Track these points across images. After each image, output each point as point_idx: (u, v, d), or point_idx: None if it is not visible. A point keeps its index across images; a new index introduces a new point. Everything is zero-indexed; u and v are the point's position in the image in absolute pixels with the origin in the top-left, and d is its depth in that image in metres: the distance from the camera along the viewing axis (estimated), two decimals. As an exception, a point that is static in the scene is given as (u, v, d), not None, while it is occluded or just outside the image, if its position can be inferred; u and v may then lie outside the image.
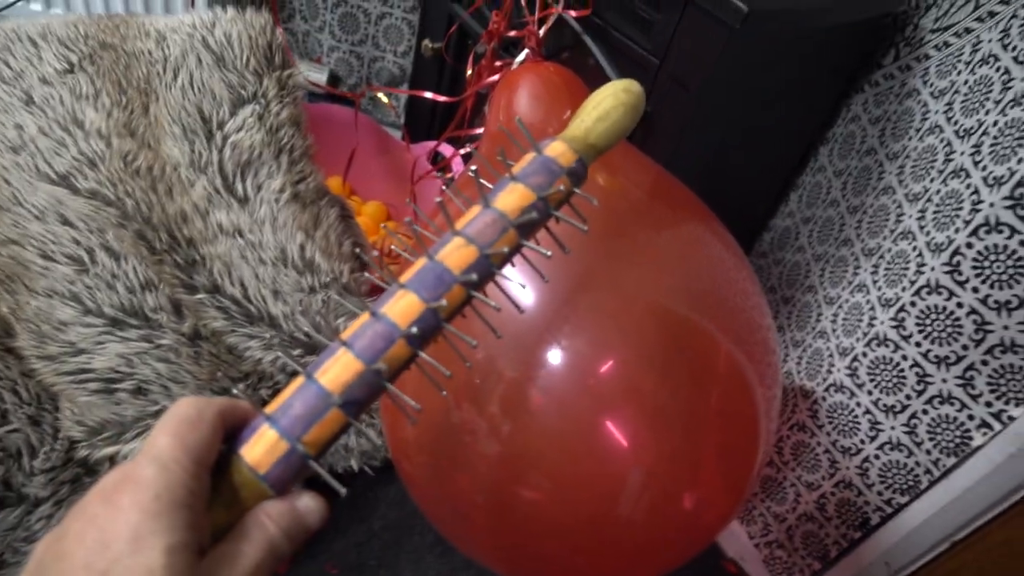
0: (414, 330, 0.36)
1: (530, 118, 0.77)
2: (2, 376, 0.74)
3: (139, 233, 0.73)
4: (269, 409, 0.34)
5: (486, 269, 0.38)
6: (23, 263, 0.73)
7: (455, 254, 0.38)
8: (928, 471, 0.89)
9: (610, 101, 0.44)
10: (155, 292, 0.72)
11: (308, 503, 0.34)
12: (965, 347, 0.81)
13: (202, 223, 0.76)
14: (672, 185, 0.81)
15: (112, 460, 0.77)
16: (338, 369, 0.34)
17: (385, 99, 1.27)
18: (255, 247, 0.77)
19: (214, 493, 0.32)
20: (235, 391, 0.58)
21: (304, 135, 0.85)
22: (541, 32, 0.89)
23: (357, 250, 0.87)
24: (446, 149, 1.19)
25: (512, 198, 0.39)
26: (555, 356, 0.68)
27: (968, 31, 0.90)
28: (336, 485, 0.34)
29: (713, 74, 0.81)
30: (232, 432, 0.34)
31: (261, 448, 0.33)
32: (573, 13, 0.93)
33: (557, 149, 0.41)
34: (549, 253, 0.40)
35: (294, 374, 0.78)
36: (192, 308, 0.74)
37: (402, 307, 0.36)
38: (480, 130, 1.01)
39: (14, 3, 1.48)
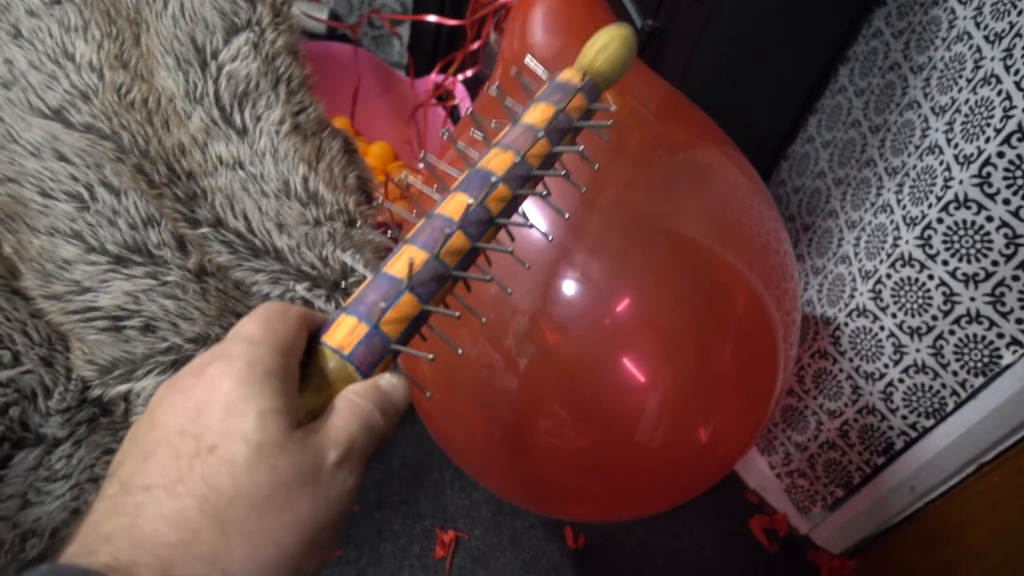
0: (468, 220, 0.39)
1: (547, 46, 0.74)
2: (11, 317, 0.74)
3: (137, 167, 0.71)
4: (346, 304, 0.36)
5: (526, 170, 0.42)
6: (22, 201, 0.71)
7: (495, 159, 0.42)
8: (955, 393, 0.87)
9: (605, 37, 0.50)
10: (158, 228, 0.71)
11: (391, 380, 0.35)
12: (995, 263, 0.78)
13: (201, 155, 0.74)
14: (684, 107, 0.78)
15: (127, 399, 0.77)
16: (405, 260, 0.37)
17: (387, 25, 1.23)
18: (257, 179, 0.75)
19: (304, 381, 0.33)
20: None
21: (302, 64, 0.82)
22: None
23: (362, 183, 0.85)
24: (449, 81, 1.16)
25: (536, 113, 0.44)
26: (569, 287, 0.66)
27: (1001, -72, 0.85)
28: (424, 355, 0.37)
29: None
30: (312, 332, 0.35)
31: (343, 332, 0.35)
32: None
33: (568, 74, 0.48)
34: (581, 148, 0.44)
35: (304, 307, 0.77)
36: (196, 243, 0.73)
37: (454, 205, 0.40)
38: (475, 48, 0.97)
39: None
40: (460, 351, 0.41)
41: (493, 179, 0.41)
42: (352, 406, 0.32)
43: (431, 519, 1.02)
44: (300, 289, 0.75)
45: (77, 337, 0.73)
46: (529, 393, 0.68)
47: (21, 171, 0.71)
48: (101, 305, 0.70)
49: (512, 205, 0.43)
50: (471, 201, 0.40)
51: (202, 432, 0.28)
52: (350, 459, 0.30)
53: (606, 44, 0.50)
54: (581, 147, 0.44)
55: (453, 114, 1.17)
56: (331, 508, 0.29)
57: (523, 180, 0.42)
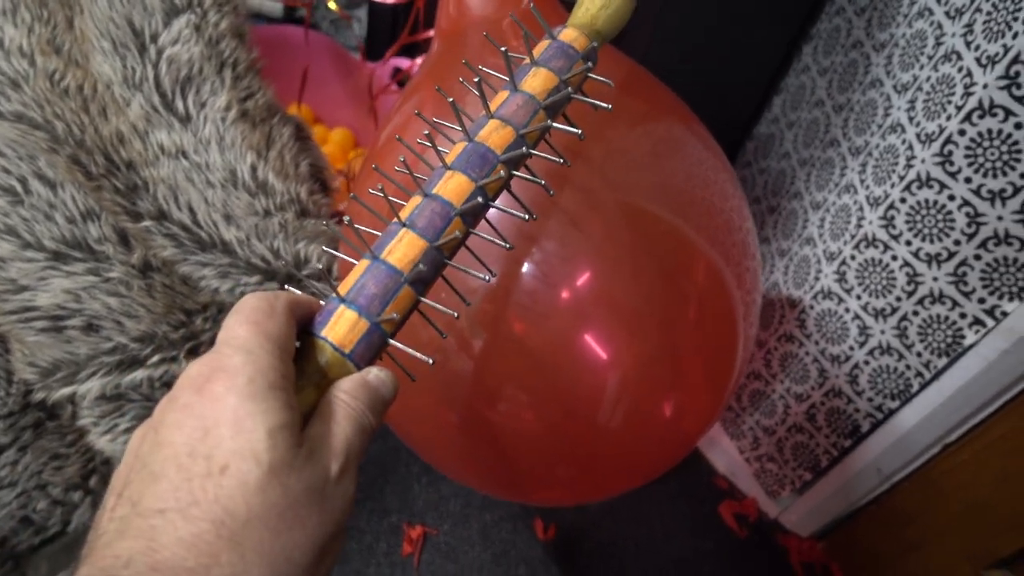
0: (467, 207, 0.37)
1: (482, 13, 0.71)
2: (-56, 320, 0.70)
3: (73, 157, 0.68)
4: (341, 291, 0.35)
5: (522, 149, 0.39)
6: (-50, 197, 0.68)
7: (495, 135, 0.39)
8: (919, 374, 0.87)
9: None
10: (97, 221, 0.67)
11: (378, 375, 0.34)
12: (957, 242, 0.78)
13: (141, 144, 0.71)
14: (646, 80, 0.76)
15: (72, 401, 0.74)
16: (404, 248, 0.36)
17: (335, 7, 1.19)
18: (201, 169, 0.72)
19: (299, 377, 0.32)
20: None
21: (249, 48, 0.79)
22: None
23: (316, 171, 0.82)
24: (405, 62, 1.13)
25: (538, 81, 0.41)
26: (523, 265, 0.64)
27: (960, -97, 0.84)
28: (422, 357, 0.36)
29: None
30: (301, 321, 0.34)
31: (343, 328, 0.34)
32: None
33: (570, 35, 0.44)
34: (580, 131, 0.41)
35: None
36: (139, 237, 0.70)
37: (454, 186, 0.37)
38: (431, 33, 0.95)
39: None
40: (431, 361, 0.38)
41: (493, 159, 0.38)
42: (345, 408, 0.32)
43: (398, 515, 1.00)
44: (251, 283, 0.72)
45: (16, 338, 0.69)
46: (486, 376, 0.66)
47: (-53, 164, 0.67)
48: (39, 304, 0.67)
49: (505, 186, 0.40)
50: (471, 187, 0.38)
51: (212, 452, 0.28)
52: (349, 467, 0.31)
53: (608, 0, 0.46)
54: (580, 131, 0.42)
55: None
56: (336, 518, 0.30)
57: (518, 161, 0.40)
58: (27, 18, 0.71)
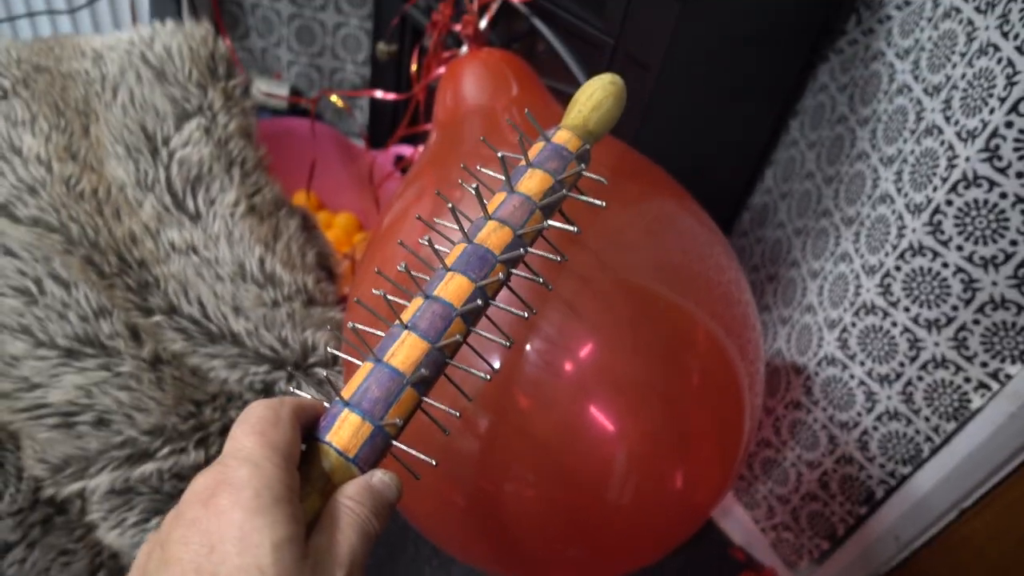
0: (468, 308, 0.39)
1: (476, 103, 0.74)
2: (-43, 420, 0.71)
3: (87, 258, 0.70)
4: (345, 394, 0.36)
5: (520, 249, 0.41)
6: (-32, 299, 0.70)
7: (493, 236, 0.41)
8: (929, 439, 0.86)
9: (600, 92, 0.48)
10: (110, 318, 0.69)
11: (383, 478, 0.35)
12: (955, 307, 0.79)
13: (153, 243, 0.73)
14: (638, 162, 0.78)
15: (81, 496, 0.74)
16: (406, 351, 0.37)
17: (338, 101, 1.24)
18: (211, 263, 0.74)
19: (304, 483, 0.33)
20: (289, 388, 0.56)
21: (256, 146, 0.82)
22: (484, 20, 0.87)
23: (322, 259, 0.84)
24: (407, 150, 1.17)
25: (534, 182, 0.43)
26: (524, 347, 0.65)
27: (929, -14, 0.88)
28: (425, 458, 0.37)
29: (669, 52, 0.79)
30: (306, 426, 0.35)
31: (347, 432, 0.35)
32: None
33: (564, 137, 0.46)
34: (576, 228, 0.43)
35: (264, 391, 0.75)
36: (150, 332, 0.71)
37: (454, 288, 0.39)
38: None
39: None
40: (434, 463, 0.39)
41: (492, 260, 0.40)
42: (349, 515, 0.32)
43: (409, 600, 0.98)
44: (260, 372, 0.73)
45: (28, 435, 0.70)
46: (492, 455, 0.66)
47: (-34, 268, 0.69)
48: (52, 401, 0.68)
49: (504, 285, 0.42)
50: (471, 288, 0.39)
51: (218, 569, 0.28)
52: (355, 574, 0.31)
53: (600, 102, 0.48)
54: (576, 228, 0.43)
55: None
56: None
57: (516, 260, 0.42)
58: (45, 127, 0.75)
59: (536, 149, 0.46)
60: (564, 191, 0.44)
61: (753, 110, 1.07)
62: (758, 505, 1.11)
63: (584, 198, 0.45)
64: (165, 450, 0.69)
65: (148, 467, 0.68)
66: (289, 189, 1.31)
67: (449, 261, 0.41)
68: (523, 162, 0.45)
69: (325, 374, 0.44)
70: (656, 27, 0.78)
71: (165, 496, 0.70)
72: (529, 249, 0.42)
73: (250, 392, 0.73)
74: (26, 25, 1.48)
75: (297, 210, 0.86)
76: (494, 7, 0.86)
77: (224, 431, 0.73)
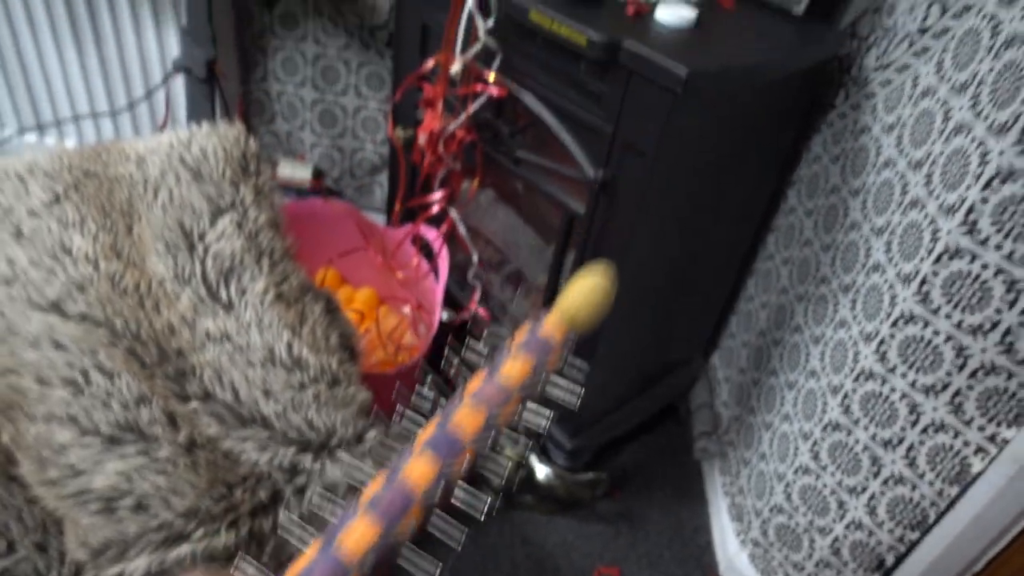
0: (429, 493, 0.40)
1: None
2: (7, 505, 0.76)
3: (130, 349, 0.76)
4: None
5: (491, 433, 0.43)
6: (21, 391, 0.75)
7: (467, 420, 0.43)
8: (934, 503, 0.88)
9: (591, 293, 0.51)
10: (149, 406, 0.74)
11: None
12: (949, 373, 0.82)
13: (190, 333, 0.79)
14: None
15: (118, 578, 0.78)
16: (356, 537, 0.38)
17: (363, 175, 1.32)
18: (243, 350, 0.79)
19: None
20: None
21: (283, 236, 0.89)
22: (467, 112, 0.97)
23: (345, 340, 0.90)
24: (429, 230, 1.23)
25: (515, 369, 0.46)
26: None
27: (906, 67, 0.94)
28: None
29: (665, 137, 0.85)
30: None
31: None
32: (493, 91, 0.98)
33: (550, 328, 0.49)
34: (549, 415, 0.46)
35: (291, 471, 0.79)
36: (186, 418, 0.76)
37: (420, 469, 0.40)
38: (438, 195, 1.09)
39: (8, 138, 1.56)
40: None
41: (458, 446, 0.41)
42: None
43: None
44: (288, 454, 0.78)
45: (71, 520, 0.75)
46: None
47: (20, 362, 0.75)
48: (95, 487, 0.73)
49: (472, 465, 0.43)
50: (436, 472, 0.40)
51: None
52: None
53: (590, 298, 0.50)
54: (546, 423, 0.45)
55: (427, 254, 1.26)
56: None
57: (486, 441, 0.43)
58: (93, 228, 0.82)
59: (522, 334, 0.48)
60: (546, 376, 0.47)
61: (751, 183, 1.12)
62: (774, 572, 1.12)
63: (561, 399, 0.47)
64: (199, 532, 0.73)
65: (183, 549, 0.72)
66: (313, 268, 1.38)
67: (420, 440, 0.42)
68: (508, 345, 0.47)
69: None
70: (652, 117, 0.84)
71: None
72: (500, 434, 0.44)
73: (278, 472, 0.77)
74: (71, 128, 1.58)
75: (321, 294, 0.92)
76: (478, 101, 0.97)
77: (253, 512, 0.77)
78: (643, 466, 1.33)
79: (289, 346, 0.82)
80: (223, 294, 0.82)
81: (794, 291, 1.14)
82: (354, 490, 0.82)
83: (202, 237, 0.84)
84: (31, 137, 1.60)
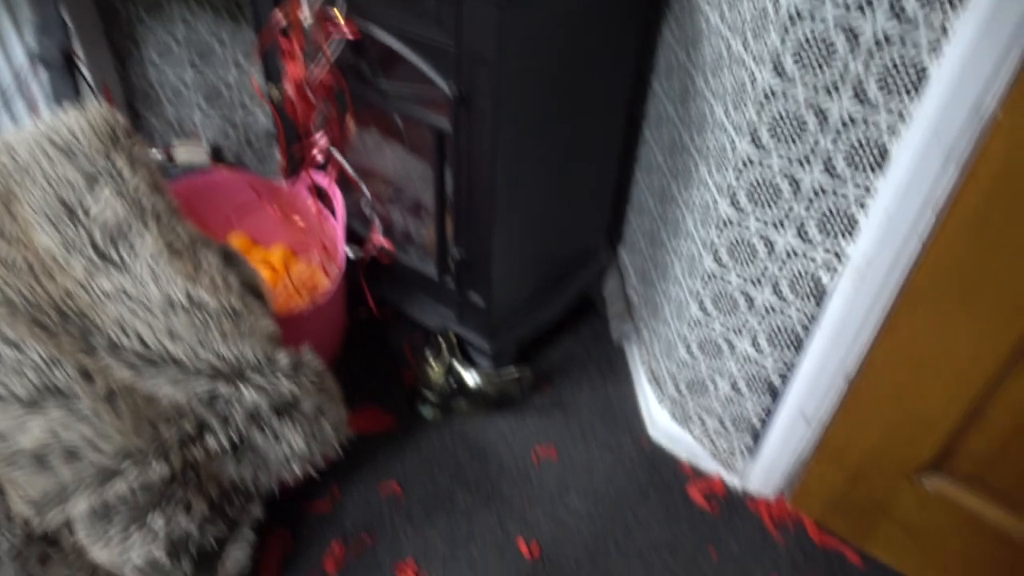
0: None
1: None
2: (-52, 483, 0.81)
3: (32, 319, 0.80)
4: None
5: None
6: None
7: None
8: (802, 323, 0.98)
9: None
10: (61, 366, 0.79)
11: None
12: (789, 204, 0.91)
13: (87, 294, 0.84)
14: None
15: (68, 527, 0.84)
16: None
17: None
18: (142, 302, 0.84)
19: None
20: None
21: (165, 196, 0.93)
22: (326, 56, 1.02)
23: (246, 279, 0.95)
24: (322, 177, 1.28)
25: None
26: None
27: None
28: None
29: (503, 44, 0.91)
30: None
31: None
32: (346, 32, 1.04)
33: None
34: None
35: (210, 402, 0.85)
36: (99, 371, 0.81)
37: None
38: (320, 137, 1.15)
39: None
40: None
41: None
42: None
43: (390, 564, 1.09)
44: (202, 386, 0.84)
45: (10, 481, 0.80)
46: None
47: (-71, 349, 0.79)
48: (24, 447, 0.78)
49: None
50: None
51: None
52: None
53: None
54: None
55: (324, 201, 1.31)
56: None
57: None
58: (-26, 217, 0.85)
59: None
60: None
61: (609, 71, 1.18)
62: (692, 420, 1.23)
63: None
64: (132, 469, 0.80)
65: (119, 485, 0.78)
66: (221, 234, 1.42)
67: None
68: None
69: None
70: (487, 29, 0.90)
71: (139, 507, 0.80)
72: None
73: (199, 404, 0.83)
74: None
75: (214, 244, 0.97)
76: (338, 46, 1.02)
77: (183, 443, 0.83)
78: (570, 358, 1.42)
79: (187, 292, 0.87)
80: (113, 255, 0.86)
81: (668, 168, 1.22)
82: (275, 410, 0.89)
83: (84, 207, 0.88)
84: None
